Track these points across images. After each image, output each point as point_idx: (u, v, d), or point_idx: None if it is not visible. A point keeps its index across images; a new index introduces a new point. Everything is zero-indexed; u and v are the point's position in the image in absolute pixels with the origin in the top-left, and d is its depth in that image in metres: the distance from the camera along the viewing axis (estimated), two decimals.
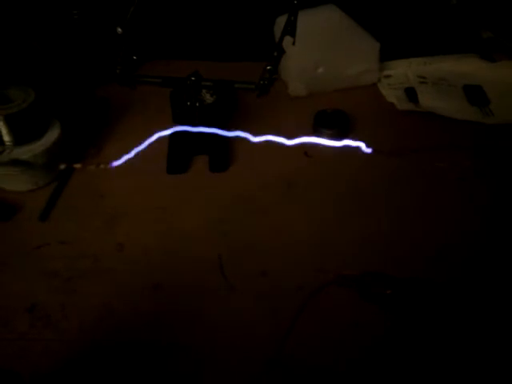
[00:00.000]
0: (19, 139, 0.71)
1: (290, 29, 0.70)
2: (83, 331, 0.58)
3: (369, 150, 0.60)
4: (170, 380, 0.54)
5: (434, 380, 0.36)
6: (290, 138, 0.83)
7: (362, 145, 0.60)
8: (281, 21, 0.88)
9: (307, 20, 0.85)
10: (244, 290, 0.62)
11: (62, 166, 0.73)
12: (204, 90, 0.79)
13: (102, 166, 0.65)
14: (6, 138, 0.71)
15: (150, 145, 0.73)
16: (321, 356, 0.53)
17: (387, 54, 0.95)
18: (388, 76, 0.95)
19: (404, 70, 0.96)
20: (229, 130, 0.81)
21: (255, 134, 0.83)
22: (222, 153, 0.80)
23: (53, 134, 0.74)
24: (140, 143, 0.62)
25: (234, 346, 0.56)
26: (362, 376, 0.42)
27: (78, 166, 0.72)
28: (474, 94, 0.92)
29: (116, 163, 0.63)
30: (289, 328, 0.45)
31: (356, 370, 0.44)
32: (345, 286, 0.43)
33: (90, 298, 0.61)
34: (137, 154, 0.73)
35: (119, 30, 0.65)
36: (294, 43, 0.71)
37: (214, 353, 0.56)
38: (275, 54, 0.73)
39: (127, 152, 0.78)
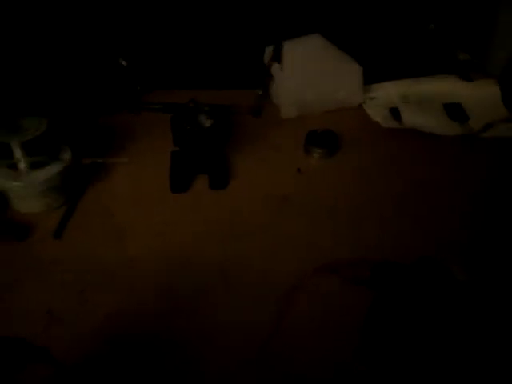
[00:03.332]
0: (33, 164, 0.77)
1: (276, 56, 0.77)
2: (94, 336, 0.63)
3: None
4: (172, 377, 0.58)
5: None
6: (283, 156, 0.90)
7: None
8: (269, 50, 0.96)
9: (295, 49, 0.93)
10: (243, 295, 0.67)
11: (87, 161, 0.80)
12: (202, 115, 0.85)
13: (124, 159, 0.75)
14: (21, 163, 0.77)
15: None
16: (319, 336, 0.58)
17: (371, 78, 1.02)
18: (373, 98, 1.02)
19: (387, 92, 1.03)
20: (226, 151, 0.88)
21: (250, 154, 0.90)
22: (221, 172, 0.86)
23: (64, 159, 0.80)
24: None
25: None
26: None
27: (100, 160, 0.79)
28: (454, 111, 0.99)
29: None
30: (282, 312, 0.50)
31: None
32: (330, 272, 0.48)
33: (100, 307, 0.66)
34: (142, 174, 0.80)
35: (123, 62, 0.72)
36: (281, 69, 0.78)
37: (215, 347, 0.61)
38: (266, 79, 0.80)
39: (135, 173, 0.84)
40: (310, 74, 0.96)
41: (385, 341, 0.42)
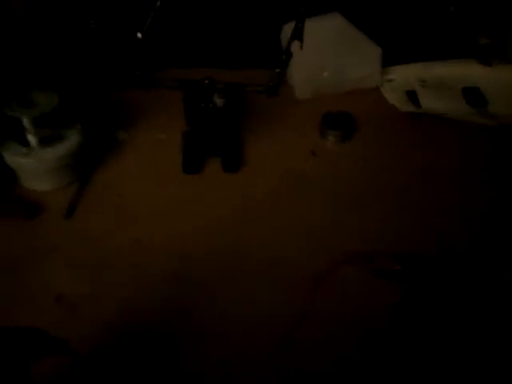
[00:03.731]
0: (44, 141, 0.75)
1: (298, 34, 0.74)
2: (107, 321, 0.62)
3: None
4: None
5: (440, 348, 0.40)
6: (297, 138, 0.88)
7: None
8: (287, 28, 0.93)
9: (313, 27, 0.89)
10: (259, 277, 0.66)
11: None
12: (216, 94, 0.83)
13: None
14: (32, 139, 0.75)
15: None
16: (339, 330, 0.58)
17: (390, 60, 0.99)
18: (390, 80, 0.99)
19: (405, 74, 1.00)
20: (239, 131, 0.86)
21: (264, 135, 0.88)
22: (234, 154, 0.84)
23: (75, 136, 0.78)
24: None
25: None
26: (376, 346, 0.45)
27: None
28: (473, 96, 0.97)
29: None
30: (306, 305, 0.49)
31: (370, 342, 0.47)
32: (355, 264, 0.47)
33: (112, 288, 0.65)
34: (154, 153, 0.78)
35: (139, 35, 0.69)
36: (301, 47, 0.76)
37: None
38: (284, 57, 0.77)
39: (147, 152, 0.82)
40: (328, 54, 0.93)
41: (417, 337, 0.41)
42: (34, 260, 0.68)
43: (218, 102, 0.83)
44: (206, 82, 0.79)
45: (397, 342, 0.42)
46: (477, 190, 0.78)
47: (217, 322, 0.62)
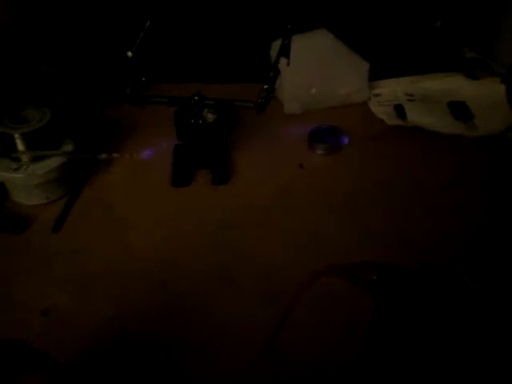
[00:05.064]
0: (36, 156, 0.76)
1: (285, 51, 0.76)
2: (96, 333, 0.62)
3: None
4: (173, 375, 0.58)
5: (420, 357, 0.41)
6: (286, 151, 0.90)
7: None
8: (276, 45, 0.95)
9: (301, 43, 0.91)
10: (246, 292, 0.66)
11: (103, 155, 0.81)
12: (206, 109, 0.85)
13: (134, 155, 0.79)
14: (22, 155, 0.76)
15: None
16: (319, 344, 0.58)
17: (376, 74, 1.01)
18: (377, 94, 1.01)
19: (392, 89, 1.02)
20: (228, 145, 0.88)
21: (253, 149, 0.89)
22: (223, 166, 0.85)
23: (66, 151, 0.79)
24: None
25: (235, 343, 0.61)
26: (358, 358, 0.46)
27: (116, 155, 0.81)
28: (459, 109, 0.98)
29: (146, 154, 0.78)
30: (283, 317, 0.50)
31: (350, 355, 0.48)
32: (335, 275, 0.48)
33: (101, 301, 0.66)
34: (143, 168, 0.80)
35: (129, 53, 0.71)
36: (288, 64, 0.78)
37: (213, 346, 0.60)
38: (271, 74, 0.79)
39: (137, 166, 0.84)
40: (316, 69, 0.95)
41: (390, 348, 0.41)
42: (21, 274, 0.69)
43: (209, 117, 0.85)
44: (196, 98, 0.81)
45: (373, 352, 0.43)
46: (465, 203, 0.79)
47: (206, 333, 0.62)
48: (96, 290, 0.67)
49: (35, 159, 0.76)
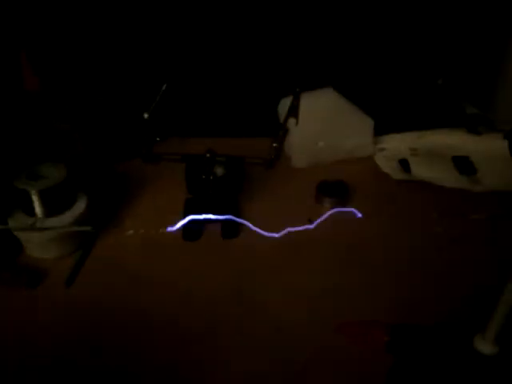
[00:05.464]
0: (50, 211, 0.78)
1: (294, 111, 0.79)
2: None
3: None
4: None
5: None
6: (294, 205, 0.91)
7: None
8: (284, 102, 0.99)
9: (308, 101, 0.95)
10: (257, 348, 0.66)
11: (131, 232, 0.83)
12: (217, 165, 0.87)
13: (160, 230, 0.79)
14: (38, 210, 0.78)
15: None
16: None
17: (382, 129, 1.04)
18: (382, 149, 1.04)
19: (397, 144, 1.05)
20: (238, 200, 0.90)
21: (262, 203, 0.91)
22: (232, 221, 0.87)
23: (80, 206, 0.81)
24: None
25: None
26: None
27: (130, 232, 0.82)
28: (462, 164, 1.01)
29: (171, 229, 0.78)
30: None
31: None
32: (346, 334, 0.48)
33: (114, 359, 0.66)
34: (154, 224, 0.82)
35: (146, 115, 0.74)
36: (297, 124, 0.81)
37: None
38: (280, 133, 0.82)
39: (145, 221, 0.86)
40: (322, 126, 0.98)
41: None
42: (33, 328, 0.70)
43: (219, 172, 0.87)
44: (208, 155, 0.84)
45: None
46: (476, 257, 0.80)
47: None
48: (109, 350, 0.67)
49: (50, 215, 0.78)
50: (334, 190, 0.93)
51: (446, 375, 0.42)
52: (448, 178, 0.97)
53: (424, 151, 1.03)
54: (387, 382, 0.46)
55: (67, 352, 0.67)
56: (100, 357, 0.66)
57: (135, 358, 0.66)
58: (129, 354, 0.66)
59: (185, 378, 0.64)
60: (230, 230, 0.86)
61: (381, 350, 0.50)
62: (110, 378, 0.63)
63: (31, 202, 0.77)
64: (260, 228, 0.87)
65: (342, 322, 0.57)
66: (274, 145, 0.81)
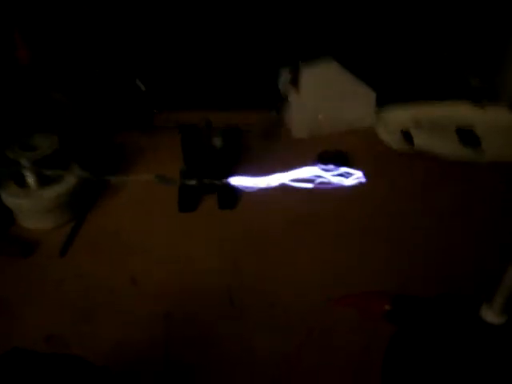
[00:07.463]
0: (43, 182, 0.77)
1: (293, 81, 0.77)
2: (98, 360, 0.60)
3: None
4: None
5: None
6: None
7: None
8: (284, 72, 0.96)
9: (308, 72, 0.93)
10: (254, 319, 0.65)
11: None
12: (213, 136, 0.85)
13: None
14: (30, 180, 0.76)
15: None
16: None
17: (384, 100, 1.01)
18: (385, 120, 1.01)
19: (400, 115, 1.02)
20: (236, 172, 0.87)
21: (262, 174, 0.89)
22: (230, 191, 0.85)
23: (73, 177, 0.79)
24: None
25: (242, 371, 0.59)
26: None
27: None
28: (467, 136, 0.98)
29: None
30: (299, 345, 0.48)
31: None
32: (348, 305, 0.47)
33: (105, 328, 0.64)
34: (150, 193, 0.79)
35: (143, 87, 0.72)
36: (296, 94, 0.78)
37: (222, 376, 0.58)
38: (279, 102, 0.79)
39: (143, 192, 0.84)
40: (323, 97, 0.96)
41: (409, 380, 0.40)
42: (26, 298, 0.68)
43: (217, 143, 0.85)
44: (204, 125, 0.81)
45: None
46: (475, 229, 0.78)
47: (215, 362, 0.61)
48: (101, 317, 0.66)
49: (42, 185, 0.76)
50: (335, 161, 0.90)
51: (451, 345, 0.40)
52: (452, 150, 0.95)
53: (427, 123, 1.01)
54: (388, 351, 0.44)
55: (58, 322, 0.65)
56: (93, 332, 0.64)
57: (126, 331, 0.64)
58: (120, 326, 0.65)
59: (176, 349, 0.62)
60: (227, 201, 0.84)
61: (382, 320, 0.48)
62: (101, 348, 0.62)
63: (23, 172, 0.75)
64: (258, 200, 0.85)
65: (341, 293, 0.55)
66: (272, 113, 0.78)
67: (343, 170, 0.66)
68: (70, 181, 0.79)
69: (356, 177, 0.66)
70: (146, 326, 0.65)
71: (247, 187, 0.57)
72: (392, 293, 0.50)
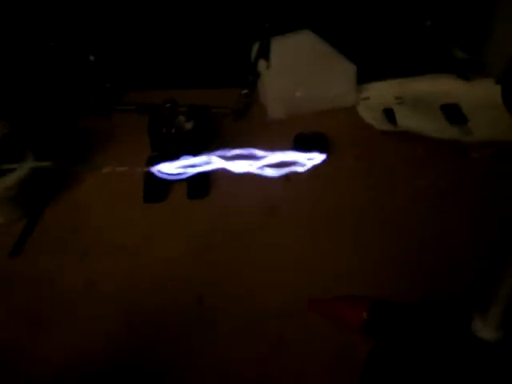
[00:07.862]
0: None
1: (264, 52, 0.70)
2: (53, 371, 0.55)
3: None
4: None
5: None
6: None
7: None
8: (256, 46, 0.89)
9: (284, 45, 0.86)
10: (222, 322, 0.60)
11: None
12: (181, 117, 0.78)
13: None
14: None
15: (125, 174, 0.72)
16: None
17: (365, 77, 0.95)
18: (366, 98, 0.95)
19: (381, 92, 0.96)
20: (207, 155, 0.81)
21: (234, 160, 0.82)
22: (201, 179, 0.78)
23: (26, 166, 0.72)
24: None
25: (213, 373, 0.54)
26: None
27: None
28: (452, 112, 0.93)
29: None
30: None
31: None
32: (319, 312, 0.41)
33: (59, 334, 0.59)
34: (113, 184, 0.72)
35: (91, 57, 0.64)
36: (268, 67, 0.71)
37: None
38: (251, 77, 0.72)
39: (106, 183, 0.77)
40: (300, 72, 0.89)
41: None
42: None
43: (185, 125, 0.78)
44: (168, 105, 0.74)
45: None
46: (473, 214, 0.73)
47: (184, 364, 0.56)
48: (54, 324, 0.60)
49: None
50: (313, 143, 0.85)
51: (438, 363, 0.35)
52: (437, 128, 0.89)
53: (410, 99, 0.95)
54: (365, 369, 0.39)
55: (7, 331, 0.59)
56: (47, 339, 0.58)
57: (86, 335, 0.58)
58: (78, 331, 0.59)
59: (149, 343, 0.57)
60: (197, 190, 0.77)
61: (359, 333, 0.43)
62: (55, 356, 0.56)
63: None
64: (232, 186, 0.79)
65: (316, 297, 0.50)
66: (244, 91, 0.72)
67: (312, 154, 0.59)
68: (21, 171, 0.71)
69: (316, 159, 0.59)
70: (105, 332, 0.59)
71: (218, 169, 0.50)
72: (369, 297, 0.45)
